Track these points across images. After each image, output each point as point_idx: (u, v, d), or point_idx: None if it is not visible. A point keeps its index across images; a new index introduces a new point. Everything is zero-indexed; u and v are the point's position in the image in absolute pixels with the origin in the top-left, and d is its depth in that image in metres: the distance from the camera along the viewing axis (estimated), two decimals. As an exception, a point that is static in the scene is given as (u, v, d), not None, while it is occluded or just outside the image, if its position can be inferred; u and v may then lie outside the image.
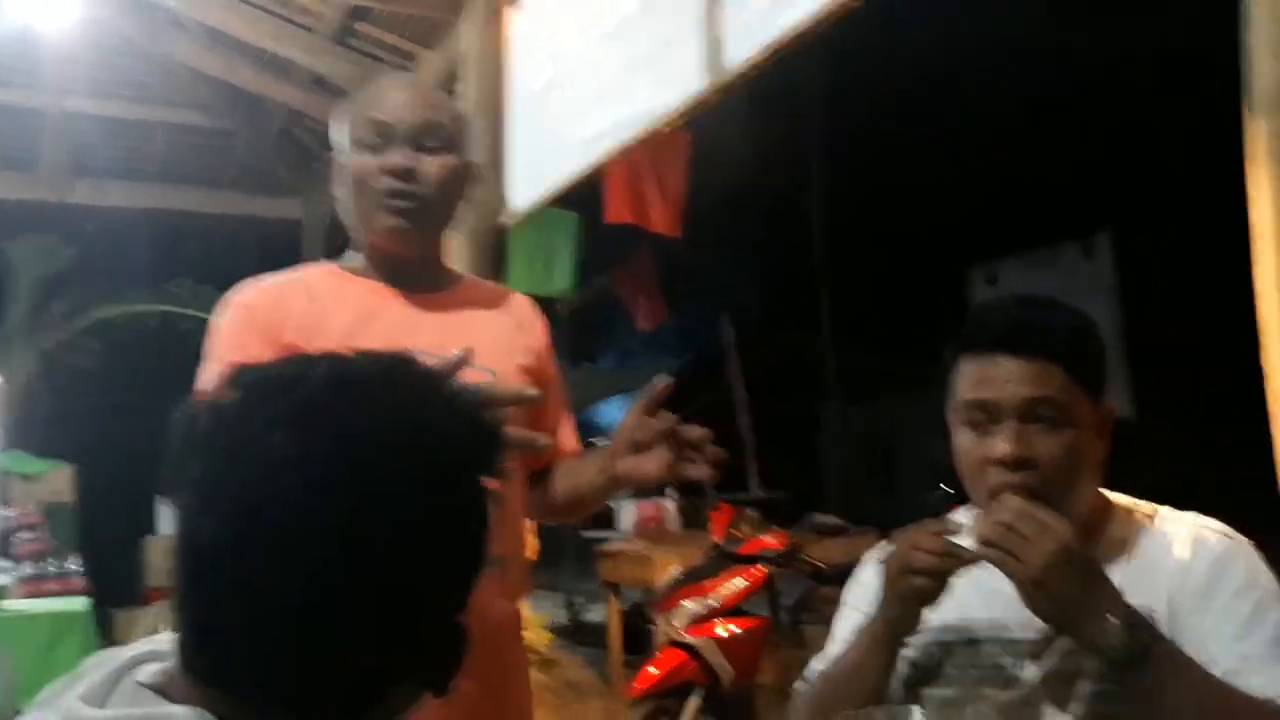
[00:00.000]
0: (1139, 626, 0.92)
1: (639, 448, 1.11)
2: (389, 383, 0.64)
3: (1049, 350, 1.03)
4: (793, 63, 2.03)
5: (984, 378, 1.04)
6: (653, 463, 1.09)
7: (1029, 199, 4.93)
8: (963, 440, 1.06)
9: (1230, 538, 1.04)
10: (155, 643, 0.68)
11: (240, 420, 0.61)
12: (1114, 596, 0.95)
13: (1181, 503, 1.11)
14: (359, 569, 0.60)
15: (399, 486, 0.61)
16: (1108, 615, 0.93)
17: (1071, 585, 0.93)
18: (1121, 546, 1.06)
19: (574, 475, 1.32)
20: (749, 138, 4.54)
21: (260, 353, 1.13)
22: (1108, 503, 1.11)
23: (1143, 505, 1.11)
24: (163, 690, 0.62)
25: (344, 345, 0.69)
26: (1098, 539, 1.06)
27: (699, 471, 1.07)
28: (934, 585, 1.00)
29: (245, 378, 0.64)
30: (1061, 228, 5.15)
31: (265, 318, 1.23)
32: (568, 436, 1.40)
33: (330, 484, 0.59)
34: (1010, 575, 0.96)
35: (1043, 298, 1.15)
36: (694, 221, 4.39)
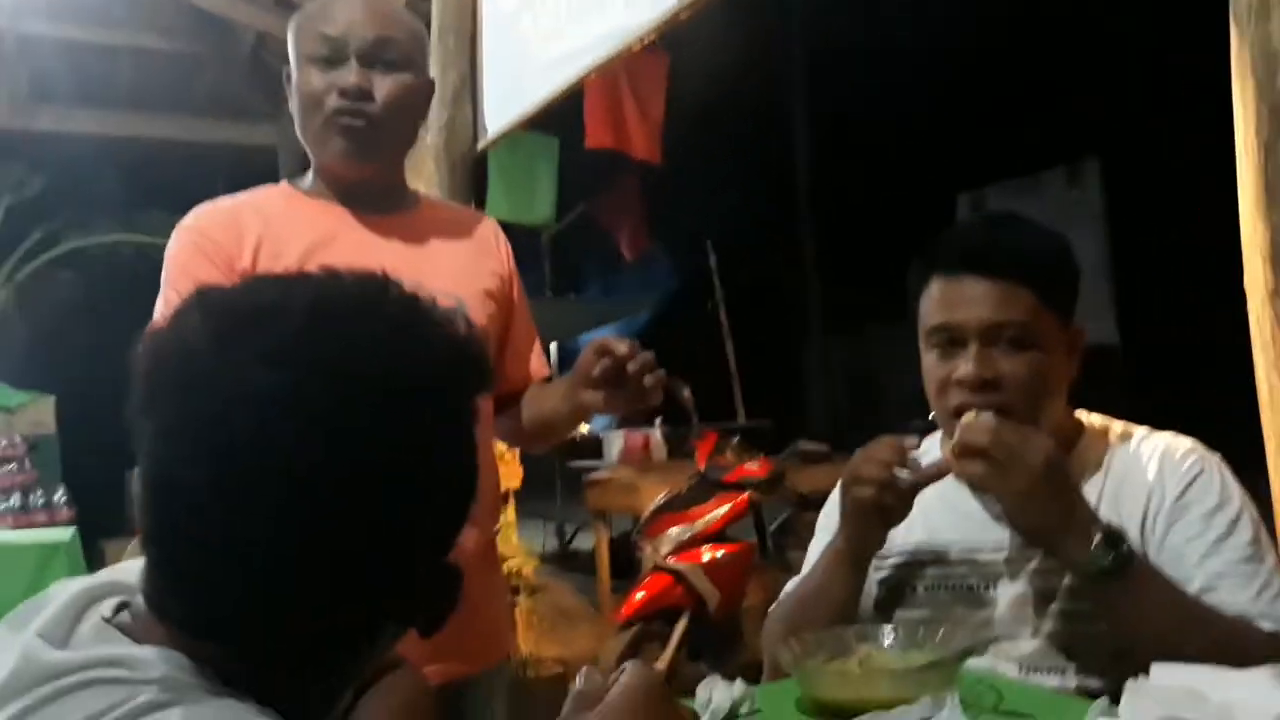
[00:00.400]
0: (1116, 543, 0.92)
1: (593, 383, 1.13)
2: (371, 312, 0.60)
3: (1017, 271, 1.01)
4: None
5: (950, 299, 1.03)
6: (600, 397, 1.14)
7: (1017, 124, 4.85)
8: (929, 362, 1.05)
9: (1201, 454, 1.04)
10: (117, 572, 0.66)
11: (212, 353, 0.56)
12: (1090, 513, 0.95)
13: (1166, 427, 1.10)
14: (341, 508, 0.56)
15: (387, 421, 0.57)
16: (1086, 531, 0.92)
17: (1053, 500, 0.93)
18: (1094, 465, 1.06)
19: (541, 401, 1.31)
20: (729, 59, 4.41)
21: (213, 279, 1.09)
22: (1079, 423, 1.10)
23: (1116, 425, 1.10)
24: (130, 630, 0.60)
25: (303, 268, 0.66)
26: (1069, 458, 1.05)
27: (651, 400, 1.12)
28: (886, 499, 1.00)
29: (213, 306, 0.59)
30: (1050, 154, 5.09)
31: (217, 242, 1.18)
32: (536, 361, 1.37)
33: (313, 421, 0.55)
34: (994, 490, 0.94)
35: (1014, 217, 1.12)
36: (676, 146, 4.30)
